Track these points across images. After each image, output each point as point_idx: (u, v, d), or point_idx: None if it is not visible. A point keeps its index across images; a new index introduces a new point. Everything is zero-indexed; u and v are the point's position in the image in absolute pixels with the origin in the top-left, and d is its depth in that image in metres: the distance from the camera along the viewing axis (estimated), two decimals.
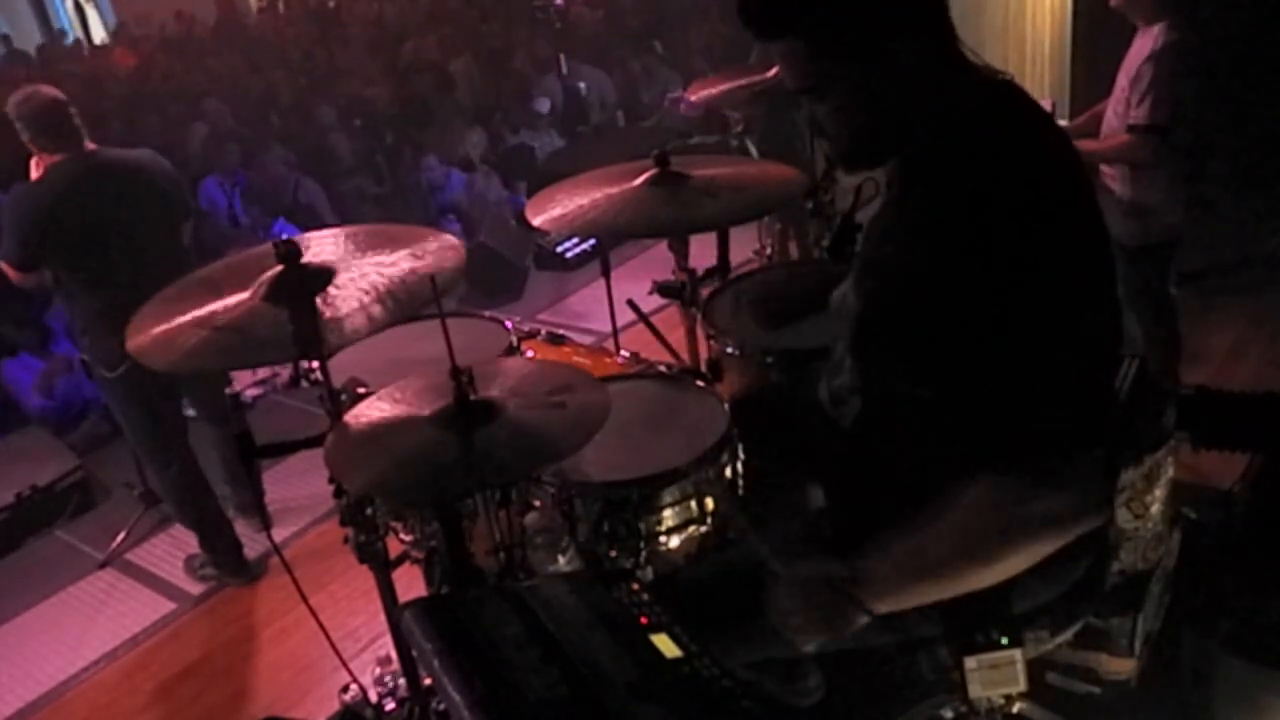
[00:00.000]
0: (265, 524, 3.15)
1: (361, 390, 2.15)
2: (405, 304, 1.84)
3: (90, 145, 3.23)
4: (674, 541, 1.97)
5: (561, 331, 2.67)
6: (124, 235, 3.22)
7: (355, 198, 6.47)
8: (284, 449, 2.05)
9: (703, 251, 2.60)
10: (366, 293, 1.86)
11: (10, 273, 3.26)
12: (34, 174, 3.22)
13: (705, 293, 2.51)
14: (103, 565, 3.86)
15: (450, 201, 6.42)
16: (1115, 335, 1.51)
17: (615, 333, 2.90)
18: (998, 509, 1.34)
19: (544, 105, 6.86)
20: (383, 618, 2.36)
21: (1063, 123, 3.20)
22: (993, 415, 1.32)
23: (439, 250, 2.01)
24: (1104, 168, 3.00)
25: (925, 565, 1.40)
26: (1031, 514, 1.33)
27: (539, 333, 2.61)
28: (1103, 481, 1.34)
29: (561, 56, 6.78)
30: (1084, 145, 2.89)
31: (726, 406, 2.09)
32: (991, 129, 1.39)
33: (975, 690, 1.56)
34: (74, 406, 4.80)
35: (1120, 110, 2.95)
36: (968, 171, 1.35)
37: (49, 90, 3.25)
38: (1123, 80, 2.96)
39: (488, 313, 2.69)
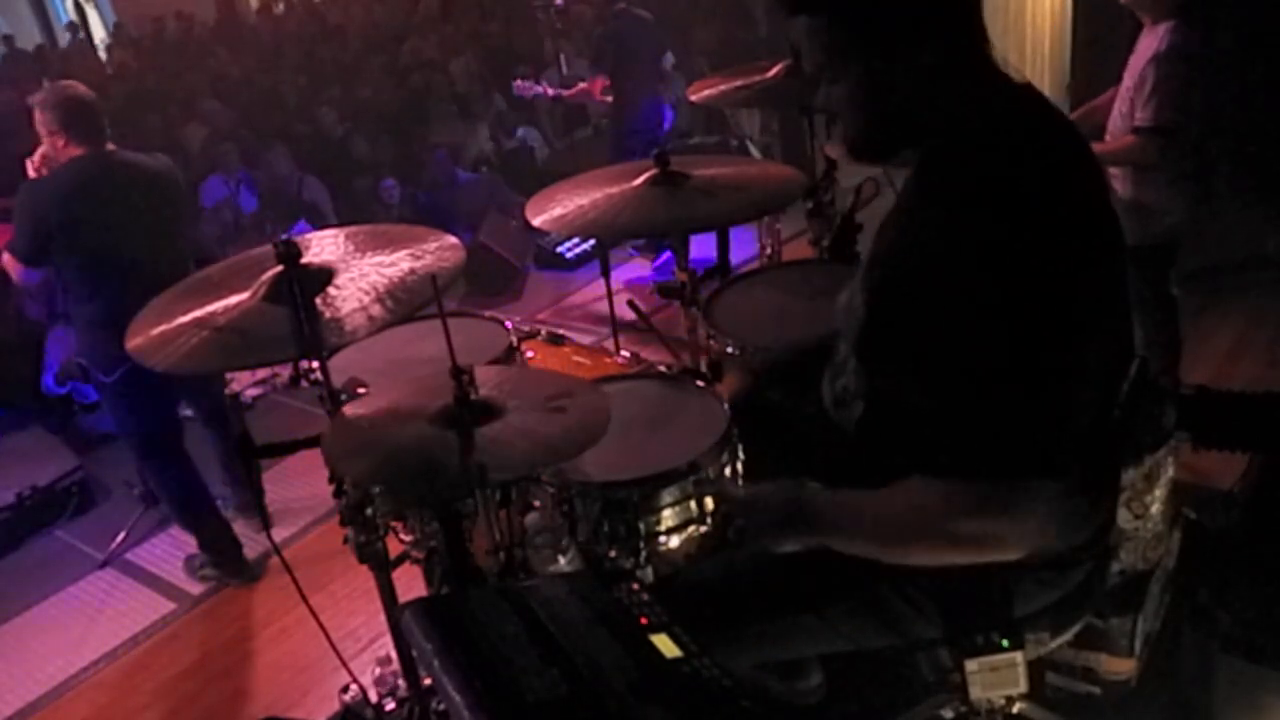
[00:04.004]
0: (265, 524, 3.14)
1: (361, 390, 2.15)
2: (405, 304, 1.84)
3: (110, 146, 3.24)
4: (674, 541, 1.97)
5: (561, 331, 2.67)
6: (133, 239, 3.21)
7: (366, 197, 6.47)
8: (284, 449, 2.05)
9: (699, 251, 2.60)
10: (366, 293, 1.86)
11: (14, 267, 3.24)
12: (35, 162, 3.21)
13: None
14: (103, 565, 3.86)
15: (457, 202, 6.43)
16: (1123, 351, 1.51)
17: (615, 333, 2.90)
18: (934, 512, 1.35)
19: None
20: (383, 618, 2.36)
21: None
22: (979, 424, 1.31)
23: (438, 250, 2.01)
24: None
25: (857, 525, 1.46)
26: (961, 530, 1.34)
27: (539, 333, 2.61)
28: (1045, 517, 1.32)
29: (561, 56, 6.80)
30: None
31: (726, 406, 2.09)
32: (1014, 136, 1.38)
33: (976, 692, 1.56)
34: (77, 403, 4.80)
35: (1125, 111, 2.95)
36: (987, 177, 1.35)
37: (83, 87, 3.29)
38: (1128, 80, 2.95)
39: (488, 313, 2.69)
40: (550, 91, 6.17)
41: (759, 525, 1.57)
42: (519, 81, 6.20)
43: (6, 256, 3.25)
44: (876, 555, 1.44)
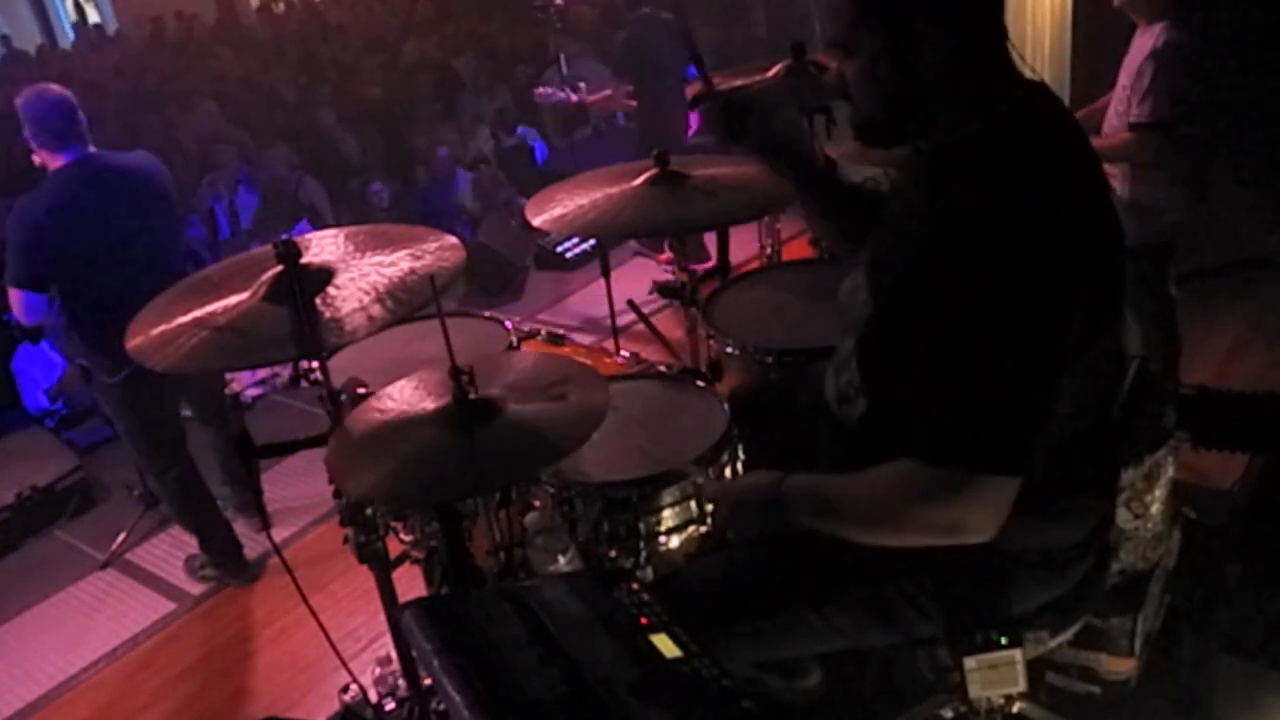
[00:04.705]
0: (265, 524, 3.14)
1: (361, 390, 2.15)
2: (405, 304, 1.84)
3: (92, 148, 3.22)
4: (674, 541, 1.97)
5: (561, 331, 2.67)
6: (127, 239, 3.20)
7: (361, 198, 6.48)
8: (283, 449, 2.04)
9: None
10: (366, 293, 1.86)
11: (19, 302, 3.20)
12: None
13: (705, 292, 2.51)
14: (103, 566, 3.86)
15: (457, 200, 6.43)
16: (1119, 352, 1.52)
17: (615, 333, 2.90)
18: (904, 497, 1.38)
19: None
20: (383, 618, 2.36)
21: None
22: (957, 415, 1.33)
23: (438, 250, 2.01)
24: (1105, 166, 3.00)
25: (828, 508, 1.50)
26: (922, 514, 1.37)
27: (539, 333, 2.61)
28: (1004, 511, 1.35)
29: (561, 56, 6.78)
30: None
31: (726, 406, 2.09)
32: (1017, 136, 1.39)
33: (975, 690, 1.56)
34: (74, 412, 4.81)
35: (1122, 109, 2.95)
36: (991, 177, 1.35)
37: (57, 89, 3.23)
38: (1124, 79, 2.95)
39: (488, 313, 2.69)
40: (574, 98, 6.13)
41: (737, 515, 1.67)
42: (541, 90, 6.15)
43: (13, 294, 3.20)
44: (847, 535, 1.48)
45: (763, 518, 1.60)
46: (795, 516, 1.54)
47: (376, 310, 1.81)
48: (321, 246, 2.06)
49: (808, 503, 1.53)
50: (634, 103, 5.59)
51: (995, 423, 1.32)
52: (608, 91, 5.82)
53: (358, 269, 1.94)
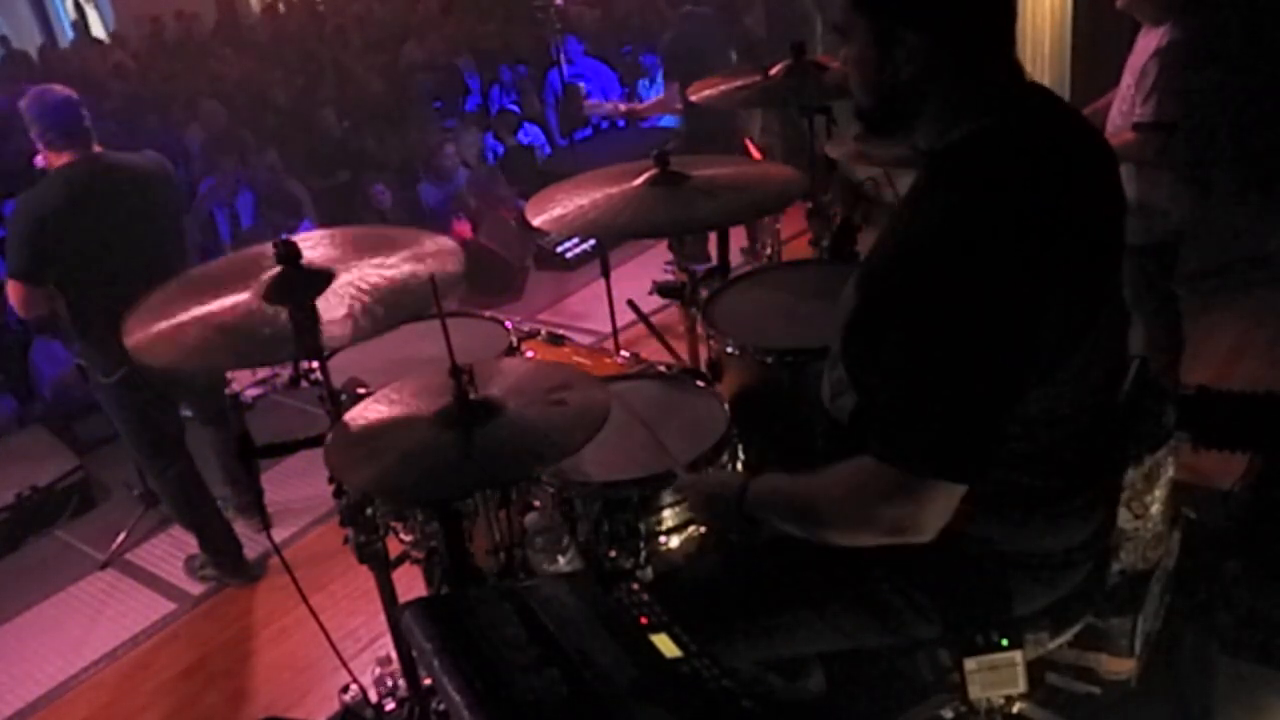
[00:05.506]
0: (265, 524, 3.15)
1: (361, 390, 2.15)
2: (406, 308, 1.83)
3: (97, 148, 3.22)
4: (674, 541, 1.97)
5: (561, 331, 2.67)
6: (130, 240, 3.20)
7: (358, 200, 6.46)
8: (284, 449, 2.04)
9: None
10: (366, 294, 1.85)
11: (18, 296, 3.19)
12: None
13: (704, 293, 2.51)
14: (103, 566, 3.86)
15: (458, 197, 6.42)
16: (1116, 354, 1.52)
17: (615, 333, 2.90)
18: (862, 495, 1.40)
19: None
20: (383, 618, 2.36)
21: None
22: (919, 416, 1.34)
23: (437, 253, 2.00)
24: None
25: (791, 511, 1.54)
26: (878, 514, 1.38)
27: (539, 333, 2.61)
28: (949, 513, 1.37)
29: (562, 56, 6.78)
30: None
31: (726, 406, 2.09)
32: (1019, 145, 1.38)
33: (975, 691, 1.56)
34: (73, 409, 4.81)
35: (1126, 109, 2.95)
36: (976, 187, 1.35)
37: (63, 89, 3.24)
38: (1128, 78, 2.95)
39: (488, 313, 2.69)
40: (623, 106, 6.10)
41: (706, 509, 1.74)
42: (589, 101, 6.14)
43: (10, 286, 3.19)
44: (811, 537, 1.50)
45: (726, 516, 1.65)
46: (764, 519, 1.58)
47: (378, 313, 1.80)
48: (319, 247, 2.05)
49: (773, 507, 1.57)
50: (679, 106, 5.52)
51: (946, 429, 1.33)
52: (660, 97, 5.77)
53: (358, 270, 1.93)
